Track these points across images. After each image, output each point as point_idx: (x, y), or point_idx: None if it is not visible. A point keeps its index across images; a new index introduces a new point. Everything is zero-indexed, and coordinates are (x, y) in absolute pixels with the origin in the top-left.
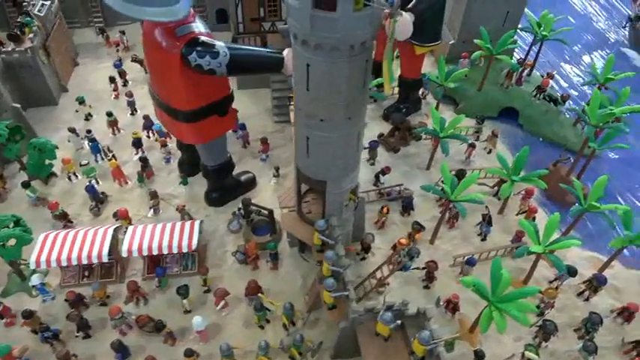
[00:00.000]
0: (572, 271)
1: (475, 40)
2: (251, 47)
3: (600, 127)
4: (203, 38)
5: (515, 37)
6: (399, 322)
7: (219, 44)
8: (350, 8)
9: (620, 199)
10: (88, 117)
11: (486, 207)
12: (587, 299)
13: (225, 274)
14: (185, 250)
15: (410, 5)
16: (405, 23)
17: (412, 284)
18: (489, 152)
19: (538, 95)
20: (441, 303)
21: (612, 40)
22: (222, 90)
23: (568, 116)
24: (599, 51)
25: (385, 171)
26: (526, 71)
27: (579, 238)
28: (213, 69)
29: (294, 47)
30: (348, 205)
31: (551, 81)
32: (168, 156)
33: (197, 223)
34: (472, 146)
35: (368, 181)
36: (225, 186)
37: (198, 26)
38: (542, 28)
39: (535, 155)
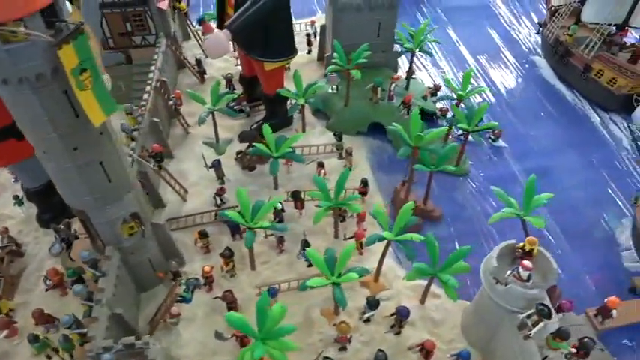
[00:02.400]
0: (372, 304)
1: (333, 54)
2: None
3: (419, 147)
4: None
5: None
6: None
7: None
8: None
9: (475, 220)
10: None
11: (304, 232)
12: (398, 333)
13: (34, 299)
14: None
15: (226, 23)
16: (215, 41)
17: (219, 314)
18: (349, 170)
19: (405, 110)
20: (227, 336)
21: (526, 49)
22: None
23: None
24: (511, 60)
25: (219, 192)
26: (394, 85)
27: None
28: None
29: None
30: (135, 233)
31: (439, 93)
32: (15, 176)
33: None
34: (320, 166)
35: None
36: (56, 207)
37: None
38: (411, 41)
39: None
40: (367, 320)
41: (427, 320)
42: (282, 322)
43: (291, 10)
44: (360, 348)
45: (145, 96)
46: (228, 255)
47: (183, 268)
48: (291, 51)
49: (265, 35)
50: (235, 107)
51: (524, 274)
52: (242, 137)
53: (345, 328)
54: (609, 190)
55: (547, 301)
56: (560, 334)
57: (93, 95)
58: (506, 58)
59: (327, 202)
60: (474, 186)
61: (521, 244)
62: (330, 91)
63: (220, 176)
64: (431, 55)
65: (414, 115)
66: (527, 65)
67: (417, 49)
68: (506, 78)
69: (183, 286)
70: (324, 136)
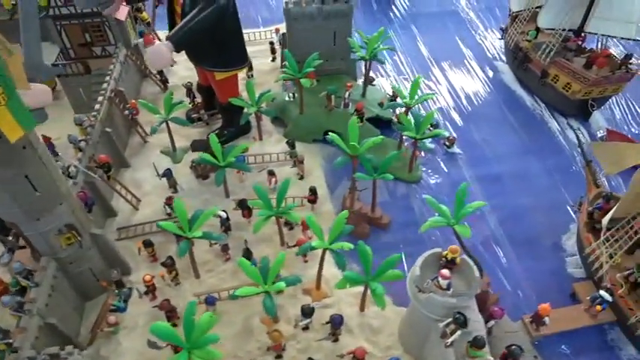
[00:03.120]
0: (306, 312)
1: (284, 63)
2: None
3: (358, 156)
4: None
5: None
6: None
7: None
8: None
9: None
10: None
11: (245, 241)
12: (335, 340)
13: None
14: None
15: (168, 34)
16: (156, 53)
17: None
18: (301, 178)
19: (358, 118)
20: (162, 345)
21: (490, 55)
22: None
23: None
24: (474, 66)
25: (168, 201)
26: (348, 92)
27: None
28: None
29: None
30: (73, 243)
31: (399, 100)
32: None
33: None
34: (271, 174)
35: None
36: None
37: None
38: (365, 48)
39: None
40: (306, 328)
41: (365, 327)
42: (220, 330)
43: (256, 18)
44: (296, 356)
45: (97, 106)
46: (169, 264)
47: (129, 277)
48: (243, 60)
49: (213, 45)
50: (193, 116)
51: (443, 282)
52: (194, 146)
53: (277, 336)
54: (561, 196)
55: (472, 310)
56: (476, 343)
57: (7, 111)
58: (470, 63)
59: (266, 210)
60: (426, 193)
61: (445, 252)
62: (286, 99)
63: (173, 185)
64: (383, 63)
65: (351, 123)
66: (490, 71)
67: (371, 57)
68: (468, 84)
69: (117, 297)
70: (280, 143)
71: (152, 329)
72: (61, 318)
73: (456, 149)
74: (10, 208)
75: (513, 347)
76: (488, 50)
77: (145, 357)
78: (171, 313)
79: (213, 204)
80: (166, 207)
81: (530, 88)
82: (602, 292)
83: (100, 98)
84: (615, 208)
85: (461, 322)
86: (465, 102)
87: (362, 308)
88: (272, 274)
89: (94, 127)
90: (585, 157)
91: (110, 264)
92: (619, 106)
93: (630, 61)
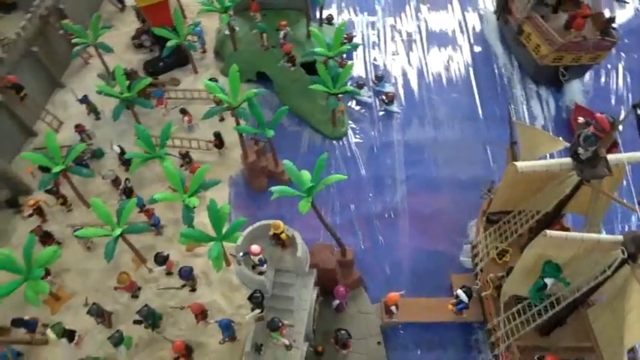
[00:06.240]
0: (159, 260)
1: None
2: None
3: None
4: None
5: None
6: None
7: None
8: None
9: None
10: None
11: (126, 180)
12: (192, 290)
13: None
14: None
15: None
16: None
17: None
18: (221, 120)
19: (288, 61)
20: None
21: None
22: None
23: None
24: (456, 10)
25: (77, 129)
26: (283, 32)
27: None
28: None
29: None
30: None
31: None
32: None
33: None
34: (183, 112)
35: None
36: None
37: None
38: None
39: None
40: (169, 273)
41: (225, 282)
42: (91, 262)
43: None
44: (151, 298)
45: (22, 23)
46: (55, 192)
47: (29, 197)
48: None
49: None
50: (133, 42)
51: (254, 259)
52: (146, 66)
53: (124, 278)
54: (490, 175)
55: (303, 287)
56: (269, 325)
57: None
58: (452, 7)
59: (149, 153)
60: (345, 151)
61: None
62: (226, 32)
63: (92, 111)
64: (319, 3)
65: (231, 72)
66: (474, 16)
67: None
68: (440, 32)
69: None
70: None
71: None
72: None
73: (394, 107)
74: None
75: (342, 332)
76: None
77: None
78: (44, 238)
79: (130, 134)
80: (79, 134)
81: (509, 44)
82: (459, 291)
83: (29, 15)
84: (493, 201)
85: (257, 302)
86: (426, 52)
87: (227, 263)
88: (124, 217)
89: (10, 45)
90: (511, 137)
91: (8, 185)
92: (608, 77)
93: (612, 25)
